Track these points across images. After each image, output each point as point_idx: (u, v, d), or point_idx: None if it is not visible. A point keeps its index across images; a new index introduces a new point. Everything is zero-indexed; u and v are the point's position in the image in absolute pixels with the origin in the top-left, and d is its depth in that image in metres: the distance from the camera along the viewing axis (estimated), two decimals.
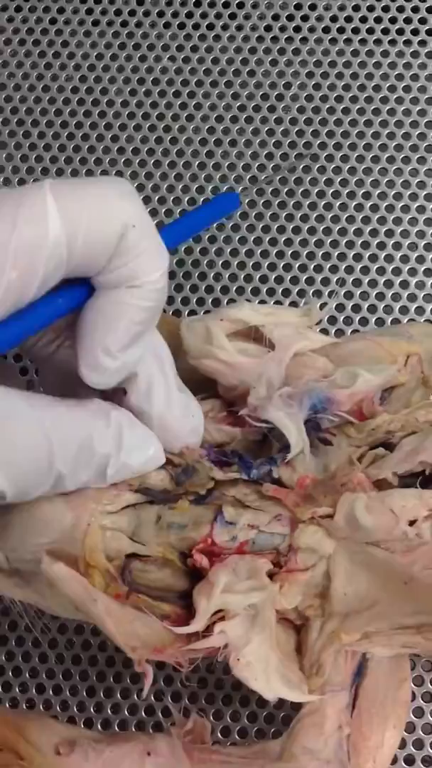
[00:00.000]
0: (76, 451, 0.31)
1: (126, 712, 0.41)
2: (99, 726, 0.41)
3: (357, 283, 0.46)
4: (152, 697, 0.41)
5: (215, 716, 0.41)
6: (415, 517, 0.33)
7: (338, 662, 0.36)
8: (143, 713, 0.41)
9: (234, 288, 0.46)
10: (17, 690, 0.42)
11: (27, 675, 0.42)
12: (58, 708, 0.42)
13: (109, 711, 0.41)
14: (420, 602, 0.34)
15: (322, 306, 0.44)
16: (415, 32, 0.49)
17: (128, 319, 0.31)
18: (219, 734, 0.41)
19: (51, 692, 0.42)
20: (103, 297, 0.31)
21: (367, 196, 0.47)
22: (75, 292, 0.31)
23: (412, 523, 0.33)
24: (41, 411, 0.30)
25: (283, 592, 0.35)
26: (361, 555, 0.34)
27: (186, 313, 0.45)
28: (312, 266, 0.46)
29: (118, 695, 0.41)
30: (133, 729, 0.41)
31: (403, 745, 0.40)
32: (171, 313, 0.45)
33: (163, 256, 0.31)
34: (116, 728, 0.41)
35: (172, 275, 0.46)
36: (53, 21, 0.51)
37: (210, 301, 0.46)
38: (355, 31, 0.49)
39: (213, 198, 0.35)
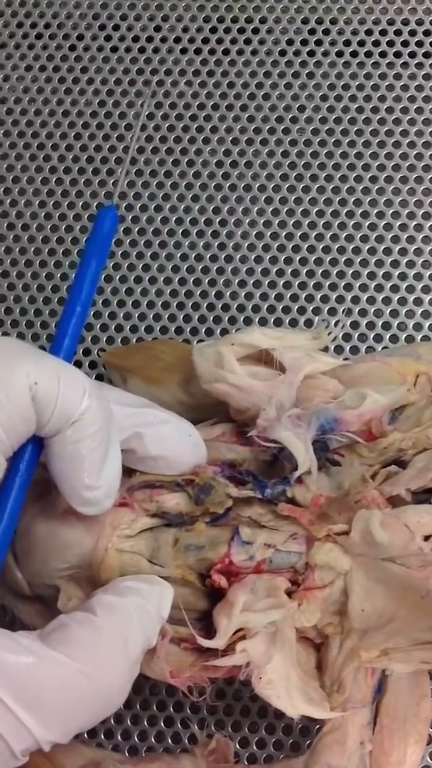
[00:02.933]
0: None
1: (153, 740, 0.42)
2: (126, 753, 0.42)
3: (371, 300, 0.46)
4: (172, 709, 0.42)
5: (234, 727, 0.41)
6: (430, 532, 0.33)
7: (358, 679, 0.36)
8: (170, 740, 0.42)
9: (242, 318, 0.46)
10: None
11: None
12: (85, 734, 0.42)
13: (136, 738, 0.42)
14: None
15: (335, 324, 0.45)
16: (426, 55, 0.50)
17: (87, 451, 0.32)
18: (237, 745, 0.41)
19: (86, 735, 0.42)
20: (56, 444, 0.31)
21: (380, 215, 0.47)
22: (31, 456, 0.32)
23: (427, 538, 0.34)
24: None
25: (302, 610, 0.35)
26: (377, 571, 0.35)
27: (195, 342, 0.46)
28: (326, 285, 0.46)
29: (145, 722, 0.42)
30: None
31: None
32: (181, 341, 0.46)
33: (78, 382, 0.31)
34: (143, 754, 0.41)
35: (180, 306, 0.47)
36: (72, 48, 0.52)
37: (218, 331, 0.46)
38: (368, 54, 0.50)
39: (93, 229, 0.35)
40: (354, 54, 0.50)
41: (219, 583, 0.35)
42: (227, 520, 0.36)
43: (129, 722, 0.42)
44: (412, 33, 0.50)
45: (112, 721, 0.42)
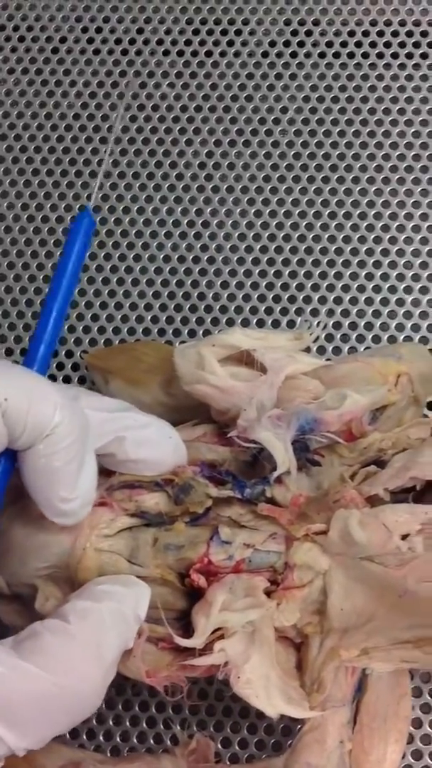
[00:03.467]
0: None
1: (135, 740, 0.42)
2: (108, 753, 0.41)
3: (353, 301, 0.46)
4: (154, 709, 0.42)
5: (216, 727, 0.41)
6: (408, 531, 0.33)
7: (338, 678, 0.36)
8: (152, 741, 0.42)
9: (224, 319, 0.46)
10: None
11: None
12: (67, 735, 0.42)
13: (118, 738, 0.42)
14: (416, 616, 0.35)
15: (317, 325, 0.45)
16: (409, 56, 0.50)
17: (61, 463, 0.32)
18: (220, 745, 0.41)
19: (67, 735, 0.42)
20: (30, 458, 0.31)
21: (362, 216, 0.48)
22: (4, 467, 0.33)
23: (404, 537, 0.34)
24: None
25: (281, 609, 0.35)
26: (356, 570, 0.35)
27: (177, 344, 0.46)
28: (308, 286, 0.47)
29: (127, 722, 0.42)
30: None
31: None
32: (163, 342, 0.46)
33: (49, 397, 0.31)
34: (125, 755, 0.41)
35: (162, 307, 0.47)
36: (55, 50, 0.52)
37: (201, 332, 0.46)
38: (351, 55, 0.50)
39: (68, 236, 0.35)
40: (336, 55, 0.50)
41: (198, 583, 0.35)
42: (207, 520, 0.36)
43: (111, 722, 0.42)
44: (395, 34, 0.51)
45: (94, 721, 0.42)
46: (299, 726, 0.37)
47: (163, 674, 0.35)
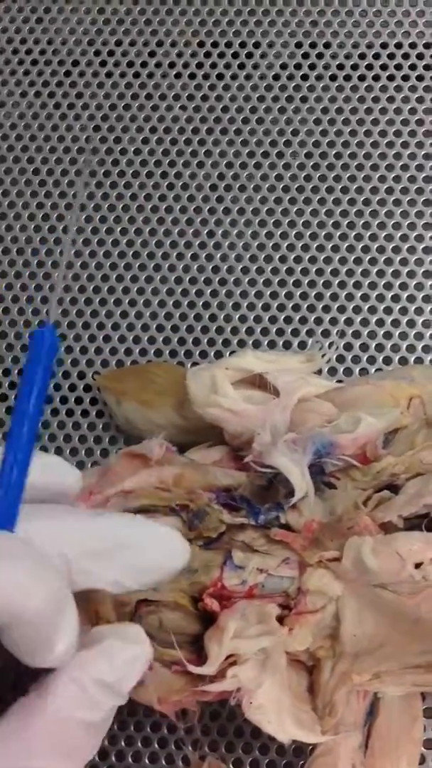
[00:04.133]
0: None
1: (147, 761, 0.42)
2: None
3: (364, 322, 0.47)
4: (166, 730, 0.42)
5: (227, 748, 0.41)
6: (422, 559, 0.34)
7: (350, 702, 0.36)
8: (163, 761, 0.42)
9: (236, 341, 0.47)
10: None
11: None
12: None
13: (130, 759, 0.42)
14: (428, 642, 0.35)
15: (329, 347, 0.46)
16: (420, 78, 0.50)
17: (38, 637, 0.28)
18: (231, 766, 0.41)
19: None
20: (3, 633, 0.28)
21: (373, 237, 0.48)
22: None
23: (418, 565, 0.34)
24: None
25: (294, 635, 0.35)
26: (368, 597, 0.35)
27: (189, 365, 0.46)
28: (319, 307, 0.47)
29: (139, 743, 0.42)
30: None
31: None
32: (175, 364, 0.46)
33: (16, 577, 0.27)
34: None
35: (174, 328, 0.47)
36: (68, 73, 0.52)
37: (212, 354, 0.47)
38: (361, 78, 0.51)
39: (28, 357, 0.30)
40: (347, 78, 0.51)
41: (211, 607, 0.35)
42: (220, 544, 0.37)
43: (123, 743, 0.42)
44: (405, 56, 0.51)
45: (106, 742, 0.42)
46: (311, 747, 0.37)
47: (174, 699, 0.35)
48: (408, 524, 0.36)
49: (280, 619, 0.36)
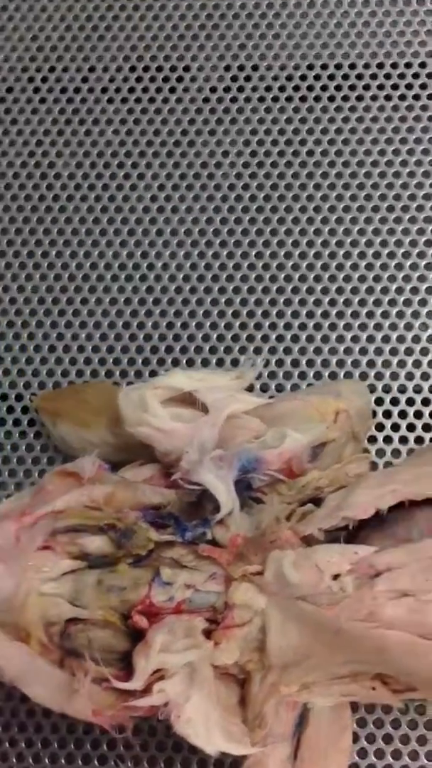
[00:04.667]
0: None
1: None
2: None
3: (295, 338, 0.47)
4: (105, 747, 0.42)
5: (150, 762, 0.42)
6: (339, 571, 0.34)
7: (279, 713, 0.37)
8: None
9: (170, 359, 0.48)
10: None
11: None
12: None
13: None
14: (350, 653, 0.36)
15: (260, 363, 0.47)
16: (345, 98, 0.51)
17: None
18: None
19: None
20: None
21: (303, 256, 0.49)
22: None
23: (336, 577, 0.35)
24: None
25: (222, 648, 0.36)
26: (291, 609, 0.36)
27: (125, 384, 0.47)
28: (251, 324, 0.48)
29: (63, 761, 0.43)
30: None
31: None
32: (111, 383, 0.47)
33: None
34: None
35: (110, 349, 0.48)
36: (2, 100, 0.53)
37: (147, 373, 0.47)
38: (289, 99, 0.52)
39: None
40: (275, 99, 0.52)
41: (140, 624, 0.36)
42: (149, 561, 0.37)
43: (63, 761, 0.43)
44: (331, 77, 0.52)
45: (46, 760, 0.43)
46: (230, 760, 0.37)
47: (108, 714, 0.35)
48: (330, 536, 0.37)
49: (208, 634, 0.36)
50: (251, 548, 0.37)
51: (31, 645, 0.35)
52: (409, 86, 0.51)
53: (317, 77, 0.52)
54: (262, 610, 0.36)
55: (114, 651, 0.36)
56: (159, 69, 0.53)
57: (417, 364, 0.47)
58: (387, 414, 0.46)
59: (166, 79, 0.53)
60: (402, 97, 0.51)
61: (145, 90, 0.53)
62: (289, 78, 0.52)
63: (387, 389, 0.46)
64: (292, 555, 0.35)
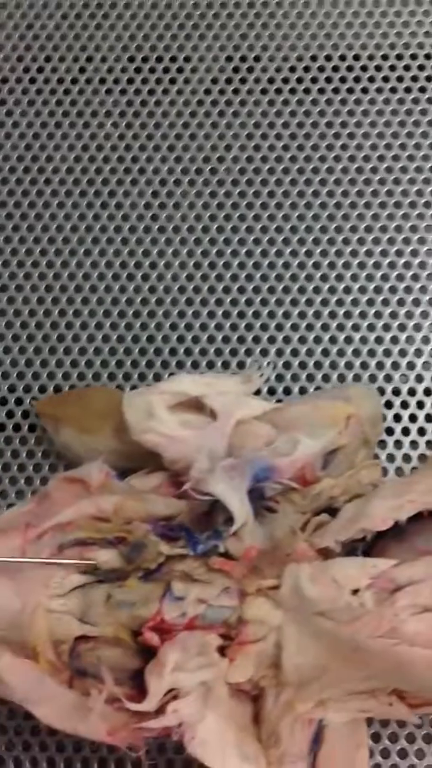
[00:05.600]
0: None
1: None
2: None
3: (302, 340, 0.46)
4: (113, 766, 0.41)
5: None
6: (358, 586, 0.34)
7: (295, 731, 0.36)
8: None
9: (174, 362, 0.46)
10: None
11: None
12: None
13: None
14: (369, 668, 0.35)
15: (267, 365, 0.46)
16: (350, 91, 0.50)
17: None
18: None
19: None
20: None
21: (308, 254, 0.48)
22: None
23: (355, 591, 0.34)
24: None
25: (236, 665, 0.35)
26: (308, 626, 0.35)
27: (128, 388, 0.46)
28: (257, 325, 0.47)
29: None
30: None
31: None
32: (114, 387, 0.46)
33: None
34: None
35: (112, 351, 0.46)
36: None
37: (151, 376, 0.46)
38: (292, 91, 0.50)
39: None
40: (277, 91, 0.50)
41: (151, 642, 0.35)
42: (160, 575, 0.36)
43: None
44: (335, 69, 0.51)
45: None
46: None
47: (121, 734, 0.34)
48: (345, 549, 0.36)
49: (222, 650, 0.35)
50: (265, 561, 0.36)
51: (40, 663, 0.34)
52: (414, 78, 0.50)
53: (321, 68, 0.51)
54: (278, 625, 0.35)
55: (125, 669, 0.36)
56: (159, 59, 0.51)
57: (427, 366, 0.46)
58: (397, 418, 0.45)
59: (166, 70, 0.51)
60: (407, 90, 0.50)
61: (144, 81, 0.51)
62: (293, 69, 0.51)
63: (396, 392, 0.45)
64: (308, 569, 0.34)
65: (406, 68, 0.50)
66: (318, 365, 0.46)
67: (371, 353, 0.46)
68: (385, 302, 0.47)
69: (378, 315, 0.46)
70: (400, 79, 0.50)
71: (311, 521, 0.37)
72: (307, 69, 0.51)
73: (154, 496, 0.38)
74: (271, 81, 0.51)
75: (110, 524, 0.37)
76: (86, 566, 0.36)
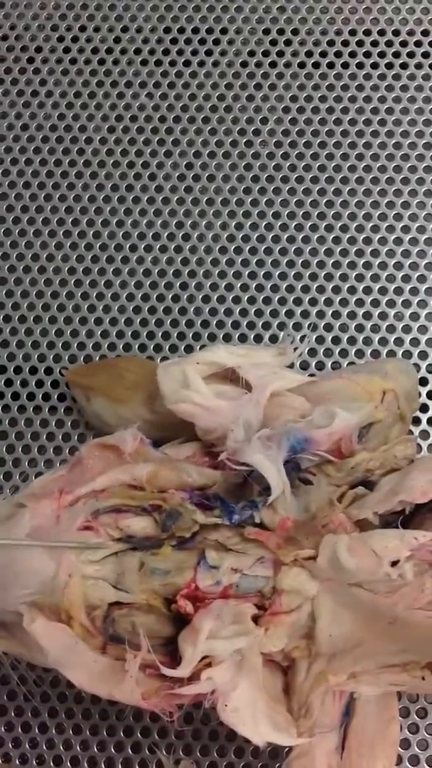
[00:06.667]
0: None
1: (120, 766, 0.41)
2: None
3: (336, 315, 0.46)
4: (139, 734, 0.41)
5: (201, 752, 0.41)
6: (397, 557, 0.33)
7: (326, 703, 0.36)
8: (137, 766, 0.41)
9: (206, 334, 0.46)
10: (17, 762, 0.42)
11: (27, 746, 0.42)
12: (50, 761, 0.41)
13: (103, 765, 0.41)
14: (405, 641, 0.34)
15: (301, 340, 0.45)
16: (389, 66, 0.50)
17: None
18: None
19: (52, 764, 0.42)
20: None
21: (344, 228, 0.47)
22: None
23: (394, 563, 0.33)
24: None
25: (269, 635, 0.35)
26: (344, 596, 0.34)
27: (159, 359, 0.45)
28: (291, 299, 0.46)
29: (112, 749, 0.41)
30: None
31: None
32: (145, 358, 0.45)
33: None
34: None
35: (143, 322, 0.46)
36: (31, 60, 0.51)
37: (183, 348, 0.46)
38: (330, 65, 0.50)
39: None
40: (316, 65, 0.50)
41: (185, 609, 0.35)
42: (194, 544, 0.36)
43: (96, 749, 0.41)
44: (374, 44, 0.50)
45: (78, 747, 0.41)
46: (286, 749, 0.36)
47: (155, 700, 0.34)
48: (383, 521, 0.35)
49: (255, 619, 0.35)
50: (302, 532, 0.36)
51: (74, 628, 0.34)
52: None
53: (360, 43, 0.50)
54: (313, 596, 0.35)
55: (158, 636, 0.35)
56: (195, 31, 0.51)
57: None
58: (431, 395, 0.45)
59: (202, 42, 0.51)
60: None
61: (180, 52, 0.51)
62: (331, 43, 0.50)
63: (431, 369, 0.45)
64: (347, 540, 0.34)
65: None
66: (352, 341, 0.46)
67: (406, 329, 0.46)
68: (422, 278, 0.46)
69: (414, 291, 0.46)
70: (426, 55, 0.50)
71: (347, 493, 0.37)
72: (345, 43, 0.50)
73: (188, 465, 0.38)
74: (309, 54, 0.50)
75: (144, 492, 0.37)
76: (121, 533, 0.35)
